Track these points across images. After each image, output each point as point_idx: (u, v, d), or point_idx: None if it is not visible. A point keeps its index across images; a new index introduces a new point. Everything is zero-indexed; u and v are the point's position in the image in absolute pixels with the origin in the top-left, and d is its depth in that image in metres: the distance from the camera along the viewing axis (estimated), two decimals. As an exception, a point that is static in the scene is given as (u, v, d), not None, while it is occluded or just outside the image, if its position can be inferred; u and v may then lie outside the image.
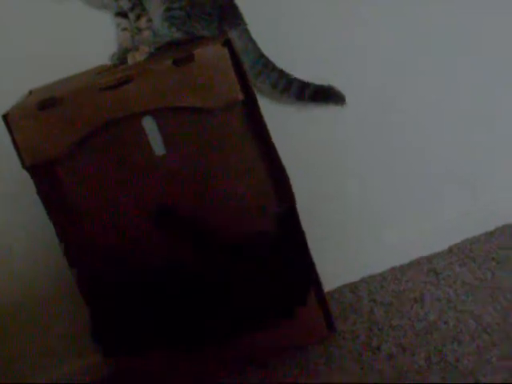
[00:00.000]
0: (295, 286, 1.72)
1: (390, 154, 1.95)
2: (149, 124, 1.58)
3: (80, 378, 1.95)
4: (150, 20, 1.66)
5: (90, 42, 1.77)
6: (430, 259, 1.98)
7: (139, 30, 1.66)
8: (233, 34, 1.68)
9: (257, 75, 1.73)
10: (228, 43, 1.57)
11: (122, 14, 1.68)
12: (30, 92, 1.73)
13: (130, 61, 1.65)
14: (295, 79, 1.75)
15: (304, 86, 1.75)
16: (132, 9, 1.65)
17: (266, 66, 1.73)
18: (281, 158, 1.64)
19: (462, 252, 1.97)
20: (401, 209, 1.99)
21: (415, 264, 1.98)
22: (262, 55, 1.72)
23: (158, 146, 1.60)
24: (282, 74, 1.74)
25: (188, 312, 1.70)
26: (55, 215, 1.63)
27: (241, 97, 1.57)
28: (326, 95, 1.79)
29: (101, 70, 1.69)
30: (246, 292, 1.70)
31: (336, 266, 1.95)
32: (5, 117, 1.55)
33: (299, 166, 1.75)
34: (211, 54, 1.56)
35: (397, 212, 2.00)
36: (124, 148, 1.60)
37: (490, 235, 2.00)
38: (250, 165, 1.63)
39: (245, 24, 1.71)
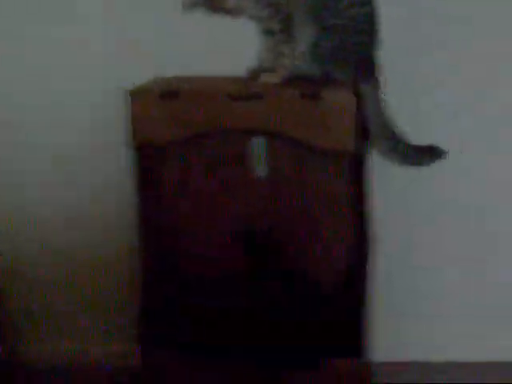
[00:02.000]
0: (345, 340, 1.70)
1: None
2: (258, 144, 1.61)
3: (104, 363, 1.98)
4: (293, 48, 1.69)
5: (229, 51, 1.81)
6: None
7: (280, 54, 1.69)
8: (362, 87, 1.68)
9: (376, 135, 1.73)
10: (358, 94, 1.59)
11: (269, 33, 1.71)
12: (156, 78, 1.77)
13: (262, 79, 1.68)
14: (412, 146, 1.74)
15: (421, 152, 1.75)
16: (280, 31, 1.68)
17: (387, 128, 1.72)
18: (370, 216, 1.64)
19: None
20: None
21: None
22: (384, 117, 1.71)
23: (260, 168, 1.62)
24: (401, 139, 1.73)
25: (242, 338, 1.71)
26: (144, 198, 1.66)
27: (353, 149, 1.58)
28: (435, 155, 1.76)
29: (231, 80, 1.72)
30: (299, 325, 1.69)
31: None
32: (130, 93, 1.61)
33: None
34: (340, 98, 1.58)
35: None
36: (227, 159, 1.62)
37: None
38: (340, 211, 1.63)
39: (378, 82, 1.71)
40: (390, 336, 1.93)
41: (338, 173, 1.61)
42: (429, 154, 1.74)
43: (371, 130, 1.71)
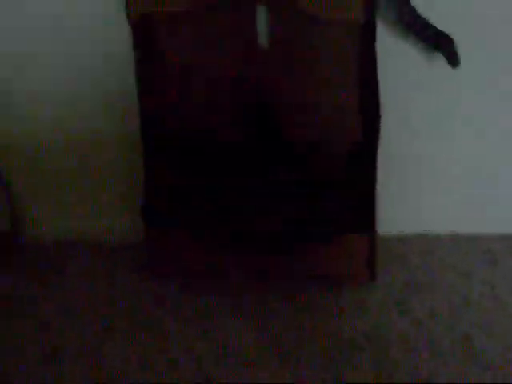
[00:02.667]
0: (359, 211, 1.70)
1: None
2: (262, 13, 1.55)
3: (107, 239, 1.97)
4: None
5: None
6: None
7: None
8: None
9: (386, 5, 1.67)
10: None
11: None
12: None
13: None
14: (421, 17, 1.67)
15: (428, 28, 1.68)
16: None
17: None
18: (378, 87, 1.60)
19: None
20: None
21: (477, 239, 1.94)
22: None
23: (263, 38, 1.57)
24: (410, 8, 1.66)
25: (245, 205, 1.70)
26: (144, 72, 1.63)
27: (362, 19, 1.54)
28: (446, 46, 1.70)
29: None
30: (307, 199, 1.69)
31: (394, 213, 1.90)
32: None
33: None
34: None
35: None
36: (228, 29, 1.57)
37: None
38: (346, 83, 1.59)
39: None
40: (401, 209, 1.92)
41: (347, 44, 1.56)
42: (438, 39, 1.69)
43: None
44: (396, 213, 1.91)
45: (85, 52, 1.80)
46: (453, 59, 1.71)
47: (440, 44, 1.70)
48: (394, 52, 1.74)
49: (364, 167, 1.67)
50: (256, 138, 1.65)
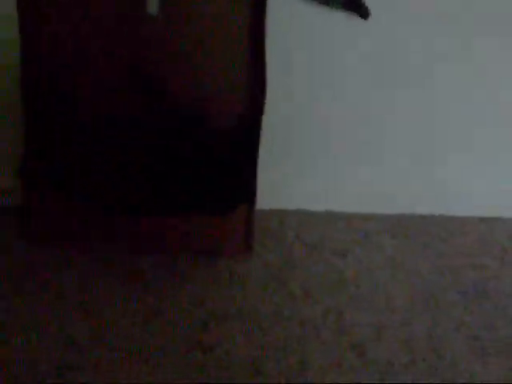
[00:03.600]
0: (238, 186, 1.71)
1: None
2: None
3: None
4: None
5: None
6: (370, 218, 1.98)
7: None
8: None
9: None
10: None
11: None
12: None
13: None
14: None
15: None
16: None
17: None
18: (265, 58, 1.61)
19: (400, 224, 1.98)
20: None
21: (351, 217, 1.98)
22: None
23: (152, 5, 1.55)
24: None
25: (123, 173, 1.67)
26: (26, 38, 1.57)
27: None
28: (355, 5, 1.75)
29: None
30: (188, 171, 1.68)
31: (274, 187, 1.91)
32: None
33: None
34: None
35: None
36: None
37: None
38: (234, 55, 1.59)
39: None
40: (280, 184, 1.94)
41: (236, 15, 1.56)
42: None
43: None
44: (275, 188, 1.92)
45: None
46: (362, 12, 1.75)
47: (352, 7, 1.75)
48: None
49: (246, 141, 1.67)
50: (140, 107, 1.62)
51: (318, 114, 1.92)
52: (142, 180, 1.68)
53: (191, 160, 1.68)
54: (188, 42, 1.58)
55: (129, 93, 1.61)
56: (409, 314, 1.65)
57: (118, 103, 1.62)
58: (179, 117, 1.63)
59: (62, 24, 1.56)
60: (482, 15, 1.84)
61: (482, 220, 2.03)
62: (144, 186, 1.68)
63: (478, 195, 2.01)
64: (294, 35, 1.81)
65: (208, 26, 1.57)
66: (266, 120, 1.67)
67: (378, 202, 1.99)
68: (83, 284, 1.65)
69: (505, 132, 1.99)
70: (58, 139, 1.66)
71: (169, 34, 1.57)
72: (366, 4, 1.75)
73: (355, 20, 1.78)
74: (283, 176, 1.95)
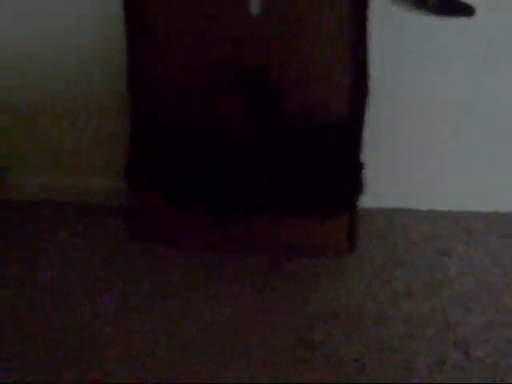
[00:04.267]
0: (347, 187, 1.73)
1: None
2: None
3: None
4: None
5: None
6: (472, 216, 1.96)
7: None
8: None
9: None
10: None
11: None
12: None
13: None
14: None
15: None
16: None
17: None
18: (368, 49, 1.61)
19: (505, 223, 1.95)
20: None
21: (456, 216, 1.96)
22: None
23: (255, 5, 1.58)
24: None
25: (231, 177, 1.71)
26: (132, 30, 1.62)
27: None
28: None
29: None
30: (295, 175, 1.71)
31: (379, 186, 1.88)
32: None
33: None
34: None
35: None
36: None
37: None
38: (336, 53, 1.60)
39: None
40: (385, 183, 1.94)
41: (338, 10, 1.57)
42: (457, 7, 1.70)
43: None
44: (380, 187, 1.91)
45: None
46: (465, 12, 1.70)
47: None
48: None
49: (350, 141, 1.69)
50: (249, 111, 1.65)
51: (425, 114, 1.91)
52: (252, 183, 1.72)
53: (300, 163, 1.71)
54: (290, 41, 1.60)
55: (235, 97, 1.65)
56: (515, 314, 1.64)
57: (224, 107, 1.66)
58: (286, 120, 1.66)
59: (169, 29, 1.61)
60: None
61: None
62: (255, 189, 1.72)
63: None
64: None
65: (309, 25, 1.58)
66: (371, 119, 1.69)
67: (483, 200, 1.97)
68: (192, 283, 1.72)
69: None
70: (165, 143, 1.72)
71: (271, 33, 1.59)
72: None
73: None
74: (389, 175, 1.95)
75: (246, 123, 1.67)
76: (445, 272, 1.76)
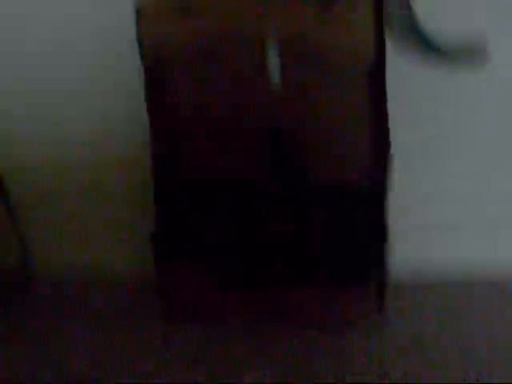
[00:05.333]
0: (369, 256, 1.67)
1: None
2: (273, 49, 1.54)
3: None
4: None
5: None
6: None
7: None
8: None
9: (407, 37, 1.69)
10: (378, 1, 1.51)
11: None
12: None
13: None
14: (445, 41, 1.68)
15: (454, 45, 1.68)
16: None
17: (417, 29, 1.67)
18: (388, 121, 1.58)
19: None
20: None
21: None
22: (416, 19, 1.66)
23: (275, 74, 1.56)
24: (434, 38, 1.67)
25: (253, 247, 1.67)
26: (155, 111, 1.61)
27: (373, 58, 1.52)
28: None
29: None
30: (317, 242, 1.65)
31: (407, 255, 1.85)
32: (138, 9, 1.54)
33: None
34: (359, 7, 1.50)
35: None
36: (243, 65, 1.56)
37: None
38: (358, 116, 1.57)
39: None
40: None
41: (356, 85, 1.55)
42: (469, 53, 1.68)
43: (400, 33, 1.68)
44: (409, 255, 1.86)
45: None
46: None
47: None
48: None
49: (375, 206, 1.64)
50: (269, 175, 1.62)
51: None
52: (274, 252, 1.67)
53: (320, 228, 1.65)
54: (309, 108, 1.57)
55: (256, 161, 1.62)
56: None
57: (246, 172, 1.63)
58: (307, 183, 1.62)
59: (189, 98, 1.59)
60: None
61: None
62: (276, 257, 1.67)
63: None
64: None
65: (328, 92, 1.56)
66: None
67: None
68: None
69: None
70: (186, 210, 1.68)
71: (290, 101, 1.57)
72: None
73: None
74: (416, 244, 1.89)
75: (269, 186, 1.62)
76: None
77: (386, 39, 1.58)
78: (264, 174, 1.62)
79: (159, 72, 1.59)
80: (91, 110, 1.84)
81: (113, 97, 1.84)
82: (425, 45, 1.69)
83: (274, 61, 1.56)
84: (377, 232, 1.66)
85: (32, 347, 1.68)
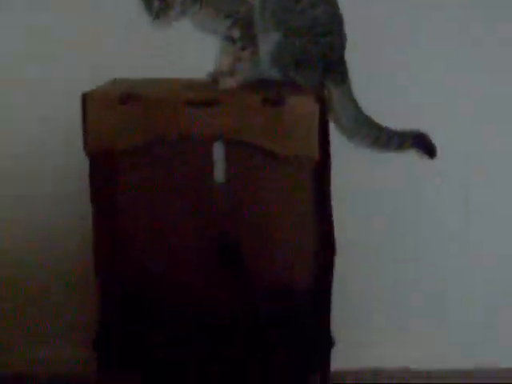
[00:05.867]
0: (312, 354, 1.65)
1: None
2: (218, 150, 1.57)
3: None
4: (254, 53, 1.64)
5: (188, 55, 1.79)
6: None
7: (240, 59, 1.65)
8: (334, 93, 1.67)
9: (356, 133, 1.73)
10: (321, 101, 1.55)
11: (229, 39, 1.66)
12: (115, 80, 1.73)
13: (221, 85, 1.64)
14: (395, 133, 1.72)
15: (404, 137, 1.73)
16: (241, 39, 1.64)
17: (366, 124, 1.71)
18: (333, 220, 1.62)
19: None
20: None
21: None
22: (362, 114, 1.70)
23: (219, 174, 1.58)
24: (382, 130, 1.71)
25: (202, 354, 1.64)
26: (99, 210, 1.60)
27: (317, 157, 1.55)
28: (423, 144, 1.74)
29: (189, 84, 1.68)
30: (261, 340, 1.64)
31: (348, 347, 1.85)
32: (84, 96, 1.54)
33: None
34: (302, 105, 1.53)
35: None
36: (187, 166, 1.58)
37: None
38: (302, 216, 1.58)
39: (349, 81, 1.69)
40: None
41: (301, 180, 1.57)
42: (417, 141, 1.73)
43: (351, 128, 1.71)
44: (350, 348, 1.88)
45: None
46: (430, 151, 1.73)
47: (416, 142, 1.73)
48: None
49: (318, 306, 1.64)
50: (213, 277, 1.61)
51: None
52: (219, 354, 1.64)
53: (265, 329, 1.64)
54: (255, 206, 1.58)
55: (201, 263, 1.61)
56: None
57: (191, 275, 1.61)
58: (252, 286, 1.62)
59: (135, 198, 1.59)
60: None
61: None
62: (221, 358, 1.65)
63: None
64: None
65: (273, 192, 1.58)
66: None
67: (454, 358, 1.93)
68: None
69: None
70: (132, 314, 1.65)
71: (236, 200, 1.58)
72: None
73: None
74: (358, 336, 1.91)
75: (213, 288, 1.61)
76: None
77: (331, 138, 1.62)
78: (211, 283, 1.60)
79: (103, 165, 1.57)
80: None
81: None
82: (373, 137, 1.72)
83: (219, 161, 1.57)
84: (320, 336, 1.65)
85: None
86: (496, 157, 1.86)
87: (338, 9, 1.65)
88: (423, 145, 1.73)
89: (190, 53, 1.79)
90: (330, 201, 1.63)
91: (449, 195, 1.88)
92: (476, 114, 1.84)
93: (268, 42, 1.62)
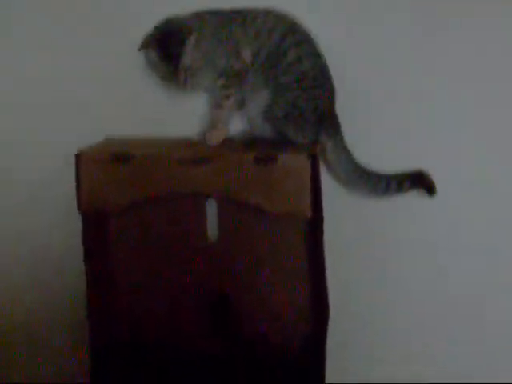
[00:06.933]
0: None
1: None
2: (210, 207, 1.58)
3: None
4: (240, 104, 1.66)
5: (182, 112, 1.79)
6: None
7: (221, 107, 1.65)
8: (327, 145, 1.67)
9: (353, 184, 1.72)
10: (313, 156, 1.55)
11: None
12: (106, 138, 1.74)
13: (207, 140, 1.65)
14: (392, 177, 1.70)
15: (402, 180, 1.70)
16: (226, 87, 1.64)
17: (362, 175, 1.70)
18: (326, 281, 1.62)
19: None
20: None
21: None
22: (356, 165, 1.69)
23: (212, 231, 1.59)
24: (379, 178, 1.70)
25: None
26: (92, 266, 1.61)
27: (309, 214, 1.54)
28: (422, 184, 1.71)
29: (181, 142, 1.70)
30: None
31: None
32: (78, 156, 1.56)
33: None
34: (294, 163, 1.54)
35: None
36: (180, 224, 1.59)
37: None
38: (295, 274, 1.59)
39: (341, 134, 1.68)
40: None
41: (293, 237, 1.57)
42: (414, 182, 1.71)
43: (347, 180, 1.71)
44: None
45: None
46: (430, 190, 1.71)
47: (415, 183, 1.71)
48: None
49: (312, 361, 1.63)
50: (205, 329, 1.62)
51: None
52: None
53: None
54: (248, 264, 1.59)
55: (194, 316, 1.62)
56: None
57: (181, 325, 1.63)
58: (243, 339, 1.62)
59: (128, 258, 1.62)
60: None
61: None
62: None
63: None
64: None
65: (265, 249, 1.58)
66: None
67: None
68: None
69: None
70: (122, 358, 1.66)
71: (229, 258, 1.59)
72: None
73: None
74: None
75: (205, 340, 1.62)
76: None
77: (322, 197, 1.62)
78: (204, 338, 1.61)
79: (95, 224, 1.59)
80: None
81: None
82: (371, 186, 1.71)
83: (211, 219, 1.58)
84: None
85: None
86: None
87: (325, 60, 1.64)
88: (422, 184, 1.71)
89: (181, 111, 1.79)
90: (323, 257, 1.63)
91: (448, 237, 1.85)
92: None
93: (258, 100, 1.63)
